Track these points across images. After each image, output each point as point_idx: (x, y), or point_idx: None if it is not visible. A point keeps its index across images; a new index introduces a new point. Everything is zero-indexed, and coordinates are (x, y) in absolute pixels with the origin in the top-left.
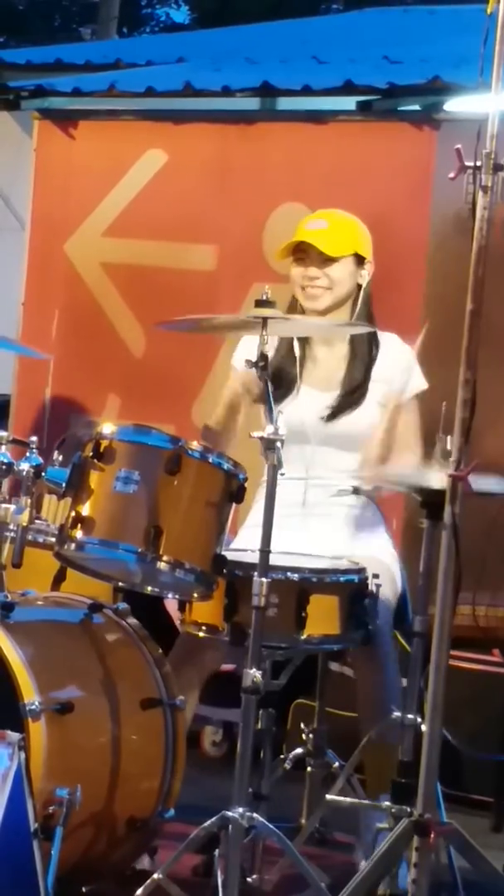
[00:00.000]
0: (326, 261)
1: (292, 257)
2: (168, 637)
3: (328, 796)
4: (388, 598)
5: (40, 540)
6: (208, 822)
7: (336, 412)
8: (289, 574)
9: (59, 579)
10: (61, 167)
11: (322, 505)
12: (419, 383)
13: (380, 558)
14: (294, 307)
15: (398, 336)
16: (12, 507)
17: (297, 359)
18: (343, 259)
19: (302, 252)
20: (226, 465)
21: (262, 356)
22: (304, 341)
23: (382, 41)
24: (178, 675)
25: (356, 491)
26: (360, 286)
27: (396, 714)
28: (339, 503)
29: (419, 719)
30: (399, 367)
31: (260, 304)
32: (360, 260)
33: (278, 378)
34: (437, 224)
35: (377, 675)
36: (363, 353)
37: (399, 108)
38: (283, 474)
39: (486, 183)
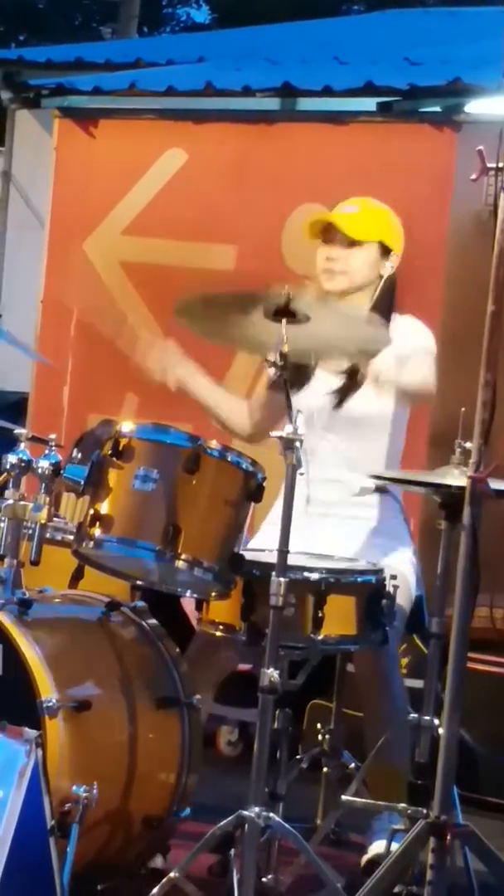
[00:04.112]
0: (350, 244)
1: (321, 237)
2: (185, 636)
3: (344, 797)
4: (400, 604)
5: (58, 538)
6: (224, 822)
7: (341, 396)
8: (306, 574)
9: (76, 577)
10: (81, 166)
11: (341, 505)
12: (429, 358)
13: (394, 565)
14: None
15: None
16: (31, 504)
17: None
18: (367, 245)
19: (329, 233)
20: (244, 465)
21: (282, 356)
22: None
23: (403, 42)
24: (195, 673)
25: (379, 489)
26: (381, 276)
27: (413, 715)
28: (360, 503)
29: (436, 721)
30: (412, 347)
31: (279, 312)
32: (385, 250)
33: (296, 368)
34: (457, 225)
35: (382, 681)
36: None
37: (419, 110)
38: (302, 474)
39: None
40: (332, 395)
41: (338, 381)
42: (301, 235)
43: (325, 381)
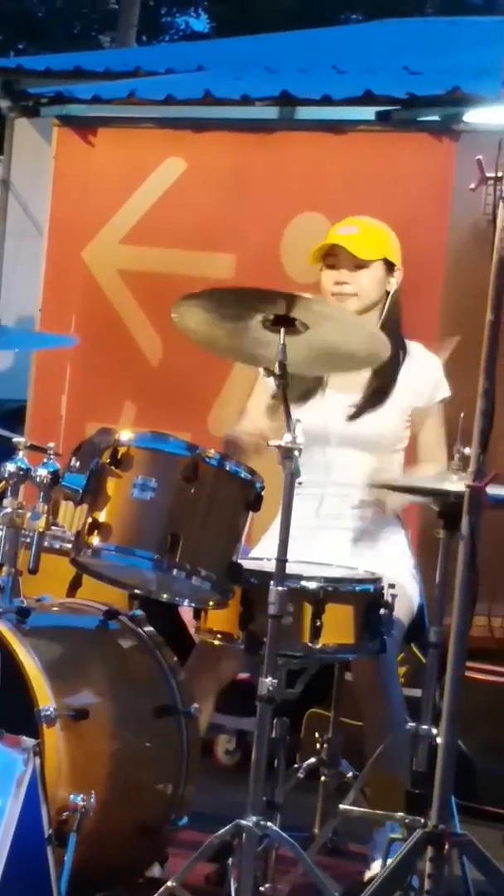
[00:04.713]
0: (357, 266)
1: (322, 263)
2: (183, 645)
3: (342, 806)
4: (399, 615)
5: (57, 546)
6: (222, 831)
7: (359, 411)
8: (304, 583)
9: (74, 586)
10: (80, 174)
11: (341, 518)
12: (444, 391)
13: (395, 576)
14: None
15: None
16: (29, 512)
17: None
18: (373, 264)
19: (332, 257)
20: (243, 474)
21: (281, 365)
22: None
23: (402, 51)
24: (195, 683)
25: (378, 503)
26: (388, 293)
27: (411, 724)
28: (360, 517)
29: (434, 730)
30: (425, 375)
31: (279, 321)
32: (389, 266)
33: (303, 380)
34: (456, 234)
35: (381, 690)
36: (392, 357)
37: (418, 119)
38: (300, 483)
39: None
40: (348, 409)
41: (356, 397)
42: (300, 244)
43: (339, 400)
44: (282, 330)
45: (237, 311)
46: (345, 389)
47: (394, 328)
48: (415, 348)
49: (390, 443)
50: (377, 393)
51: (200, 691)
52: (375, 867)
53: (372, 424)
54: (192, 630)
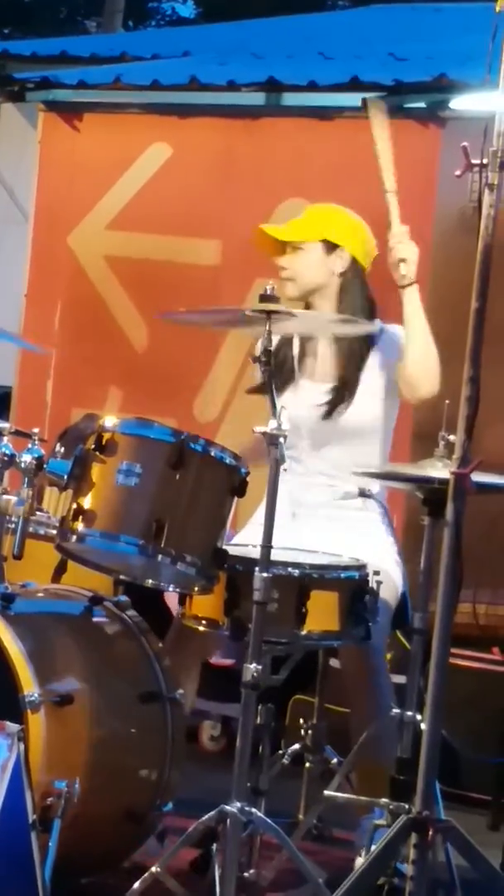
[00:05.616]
0: (292, 250)
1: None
2: (167, 631)
3: (326, 792)
4: (385, 599)
5: (41, 532)
6: (206, 817)
7: (330, 408)
8: (289, 569)
9: (59, 571)
10: (66, 159)
11: (325, 507)
12: None
13: (379, 561)
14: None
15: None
16: (14, 498)
17: (297, 352)
18: (307, 245)
19: (280, 243)
20: (228, 459)
21: (266, 352)
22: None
23: (389, 38)
24: (174, 661)
25: (363, 494)
26: (334, 273)
27: (396, 711)
28: (344, 506)
29: (418, 717)
30: (394, 347)
31: (264, 298)
32: (331, 247)
33: (280, 369)
34: (441, 221)
35: (369, 677)
36: (354, 349)
37: (404, 106)
38: (285, 469)
39: (492, 181)
40: (320, 407)
41: (326, 394)
42: (269, 253)
43: (312, 391)
44: (268, 315)
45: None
46: (318, 380)
47: (354, 312)
48: (391, 330)
49: (371, 430)
50: (342, 387)
51: (181, 669)
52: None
53: (346, 420)
54: (176, 616)
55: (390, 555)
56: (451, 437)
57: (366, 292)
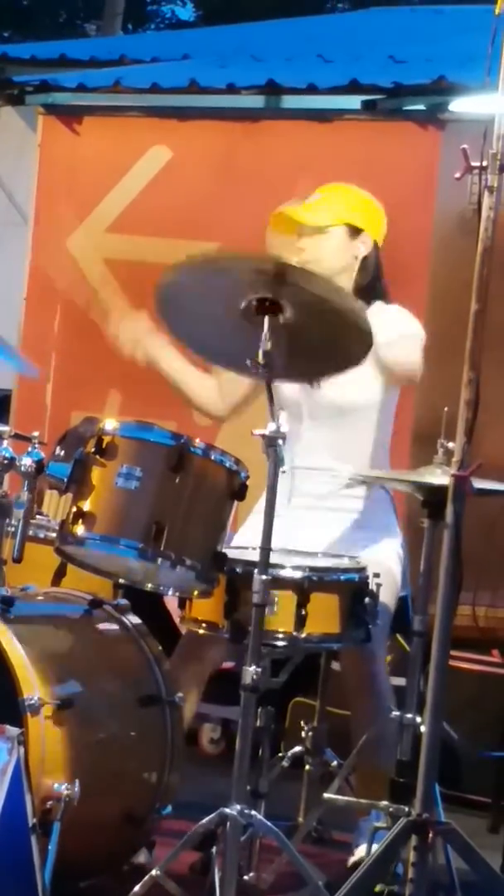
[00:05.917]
0: (313, 232)
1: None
2: (167, 634)
3: (326, 795)
4: (385, 601)
5: (41, 535)
6: (206, 820)
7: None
8: (289, 572)
9: (59, 575)
10: (65, 163)
11: (327, 497)
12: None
13: (381, 559)
14: None
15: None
16: (14, 501)
17: None
18: (332, 230)
19: (299, 226)
20: (228, 463)
21: (266, 354)
22: None
23: (388, 40)
24: (181, 672)
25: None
26: (356, 258)
27: (396, 713)
28: (348, 495)
29: (418, 719)
30: (399, 332)
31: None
32: (355, 231)
33: None
34: (441, 224)
35: (369, 680)
36: None
37: (404, 108)
38: (284, 472)
39: (491, 183)
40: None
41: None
42: (284, 234)
43: None
44: (266, 318)
45: (223, 281)
46: None
47: (366, 294)
48: (388, 310)
49: (365, 411)
50: None
51: (186, 681)
52: (359, 852)
53: (337, 394)
54: (176, 619)
55: (393, 550)
56: (451, 445)
57: (379, 273)
